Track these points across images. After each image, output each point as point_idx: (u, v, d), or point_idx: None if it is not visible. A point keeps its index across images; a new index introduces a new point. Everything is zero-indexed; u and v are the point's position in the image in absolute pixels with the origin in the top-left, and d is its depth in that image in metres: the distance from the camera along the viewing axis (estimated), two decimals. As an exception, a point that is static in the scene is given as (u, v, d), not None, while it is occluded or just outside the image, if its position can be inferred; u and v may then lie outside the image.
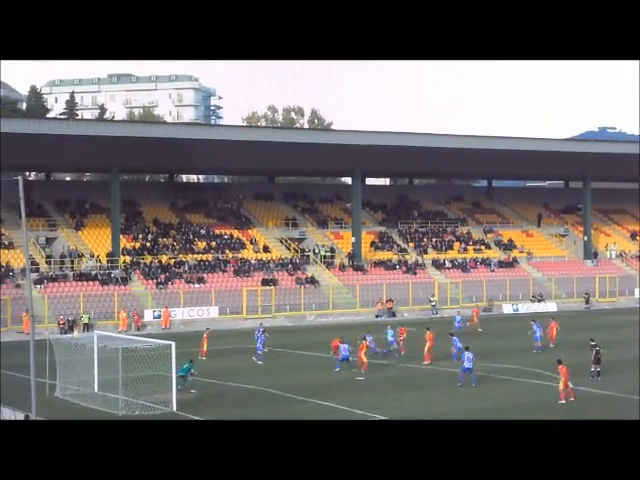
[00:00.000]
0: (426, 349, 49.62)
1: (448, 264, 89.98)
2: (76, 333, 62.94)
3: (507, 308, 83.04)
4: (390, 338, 53.40)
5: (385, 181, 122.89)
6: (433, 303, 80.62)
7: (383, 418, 34.78)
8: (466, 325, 64.42)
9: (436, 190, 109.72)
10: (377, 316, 77.56)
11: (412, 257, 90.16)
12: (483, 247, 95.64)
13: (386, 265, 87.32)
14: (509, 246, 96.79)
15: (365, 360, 46.82)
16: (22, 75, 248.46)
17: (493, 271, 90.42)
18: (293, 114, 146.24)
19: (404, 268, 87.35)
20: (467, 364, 41.88)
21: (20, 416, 28.41)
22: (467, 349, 43.07)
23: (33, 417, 26.49)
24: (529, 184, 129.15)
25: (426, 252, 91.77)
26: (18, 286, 71.73)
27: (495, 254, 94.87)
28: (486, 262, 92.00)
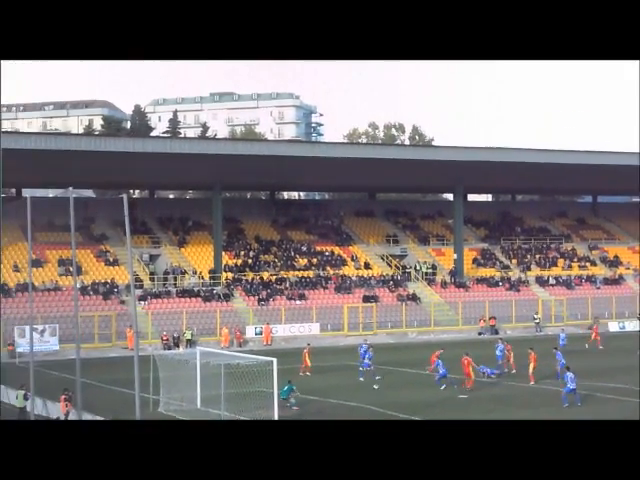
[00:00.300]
0: (530, 369, 48.75)
1: (552, 281, 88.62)
2: (181, 349, 63.60)
3: (613, 326, 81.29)
4: (498, 353, 52.78)
5: (487, 197, 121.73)
6: (537, 321, 79.49)
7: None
8: (596, 346, 64.60)
9: (539, 206, 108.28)
10: (479, 333, 76.78)
11: (515, 274, 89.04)
12: (588, 264, 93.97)
13: (489, 282, 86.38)
14: (615, 263, 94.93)
15: (473, 377, 46.37)
16: (126, 95, 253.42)
17: (599, 288, 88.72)
18: (394, 130, 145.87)
19: (507, 285, 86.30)
20: (571, 385, 41.07)
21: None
22: (568, 369, 42.23)
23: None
24: (635, 199, 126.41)
25: (529, 269, 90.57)
26: (122, 302, 72.77)
27: (601, 271, 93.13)
28: (591, 279, 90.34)
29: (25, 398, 39.19)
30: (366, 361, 51.60)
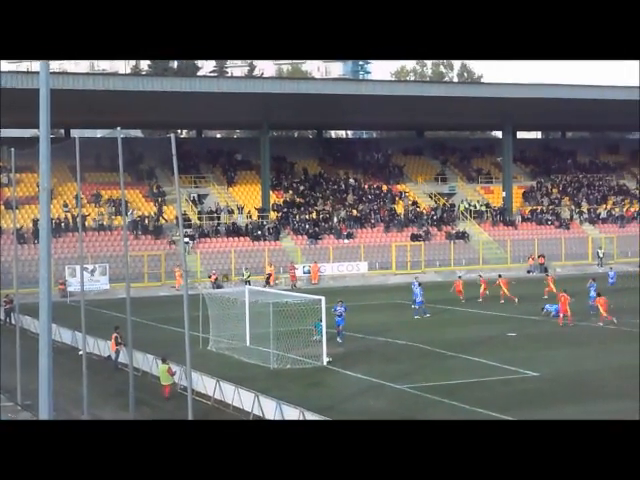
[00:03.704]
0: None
1: (603, 215, 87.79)
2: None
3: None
4: (592, 293, 49.94)
5: (537, 134, 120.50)
6: (601, 256, 78.87)
7: (535, 374, 34.27)
8: None
9: (590, 142, 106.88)
10: (528, 271, 76.48)
11: (565, 211, 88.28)
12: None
13: (538, 220, 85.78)
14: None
15: (569, 313, 46.16)
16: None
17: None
18: (442, 68, 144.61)
19: (556, 223, 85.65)
20: None
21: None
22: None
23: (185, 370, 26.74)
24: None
25: (579, 206, 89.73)
26: (172, 242, 73.16)
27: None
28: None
29: None
30: (419, 299, 51.64)
